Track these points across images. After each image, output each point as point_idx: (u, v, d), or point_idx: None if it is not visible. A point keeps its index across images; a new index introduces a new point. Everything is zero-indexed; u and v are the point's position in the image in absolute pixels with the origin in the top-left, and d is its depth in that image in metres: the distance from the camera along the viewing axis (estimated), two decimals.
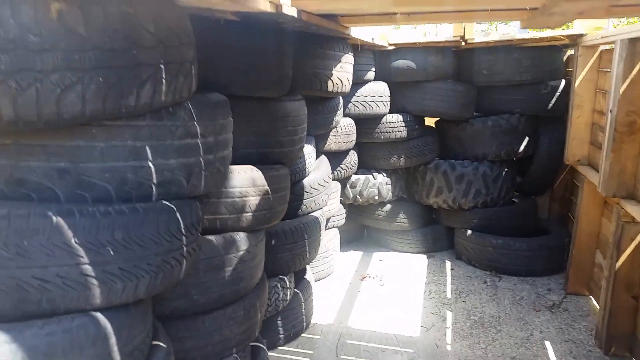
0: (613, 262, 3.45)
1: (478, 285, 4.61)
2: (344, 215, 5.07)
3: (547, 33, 4.47)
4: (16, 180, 1.48)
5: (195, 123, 1.75)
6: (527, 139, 5.01)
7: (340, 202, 4.92)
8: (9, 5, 1.18)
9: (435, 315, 4.03)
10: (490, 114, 5.00)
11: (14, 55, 1.21)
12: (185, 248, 1.73)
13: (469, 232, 5.03)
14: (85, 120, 1.40)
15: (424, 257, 5.28)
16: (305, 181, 3.62)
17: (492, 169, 4.97)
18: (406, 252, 5.36)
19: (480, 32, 11.57)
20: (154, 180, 1.66)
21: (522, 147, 5.01)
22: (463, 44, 4.59)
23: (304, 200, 3.63)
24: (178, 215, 1.69)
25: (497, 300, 4.30)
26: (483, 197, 5.00)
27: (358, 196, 5.07)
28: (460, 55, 4.96)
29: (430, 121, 5.45)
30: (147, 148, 1.61)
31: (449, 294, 4.42)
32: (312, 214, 3.71)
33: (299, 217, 3.59)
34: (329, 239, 4.68)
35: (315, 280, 4.47)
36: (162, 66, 1.51)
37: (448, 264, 5.12)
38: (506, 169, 5.05)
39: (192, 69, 1.72)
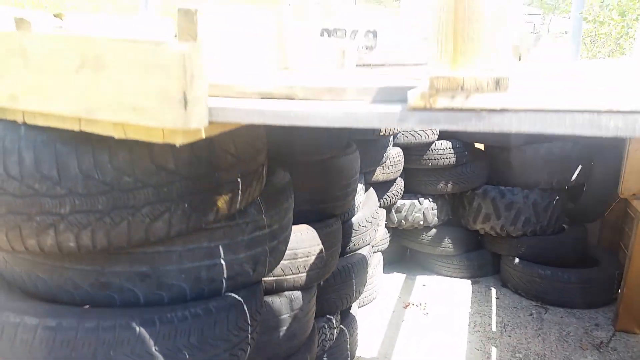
0: None
1: (524, 318, 4.57)
2: (388, 239, 5.09)
3: (610, 63, 4.32)
4: (101, 284, 1.58)
5: (264, 216, 1.82)
6: (580, 167, 4.89)
7: (385, 226, 4.94)
8: (107, 152, 1.26)
9: (480, 351, 4.03)
10: (542, 141, 4.88)
11: (110, 196, 1.29)
12: (250, 336, 1.82)
13: (517, 260, 4.98)
14: (168, 238, 1.49)
15: (468, 282, 5.26)
16: (354, 219, 3.66)
17: (543, 197, 4.89)
18: (450, 277, 5.35)
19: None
20: (225, 275, 1.74)
21: (574, 176, 4.89)
22: None
23: (352, 238, 3.67)
24: (245, 307, 1.77)
25: (542, 336, 4.26)
26: (532, 226, 4.93)
27: (403, 221, 5.08)
28: None
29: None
30: (220, 247, 1.69)
31: (494, 327, 4.40)
32: (360, 250, 3.75)
33: (346, 255, 3.64)
34: (374, 265, 4.72)
35: (359, 307, 4.53)
36: (239, 179, 1.57)
37: (493, 291, 5.09)
38: (557, 198, 4.95)
39: (264, 169, 1.79)
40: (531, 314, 4.65)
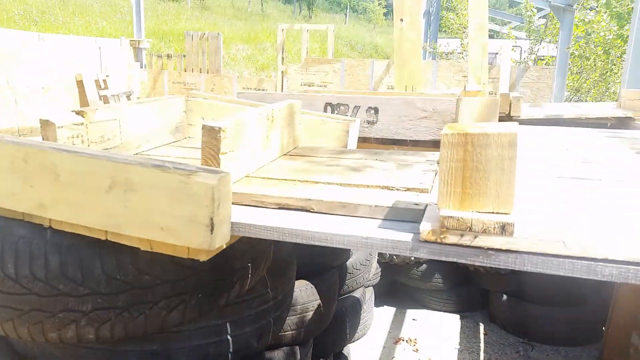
0: None
1: (511, 355, 4.66)
2: (379, 273, 5.16)
3: (600, 111, 4.48)
4: None
5: (269, 290, 1.89)
6: None
7: (377, 261, 5.01)
8: (129, 254, 1.32)
9: None
10: None
11: (130, 294, 1.36)
12: None
13: (505, 297, 5.08)
14: (182, 325, 1.55)
15: (457, 317, 5.34)
16: (349, 262, 3.74)
17: None
18: (439, 311, 5.43)
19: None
20: (231, 350, 1.80)
21: None
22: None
23: (346, 281, 3.74)
24: None
25: None
26: None
27: (394, 257, 5.16)
28: None
29: None
30: (228, 324, 1.75)
31: None
32: (354, 293, 3.82)
33: (341, 297, 3.70)
34: (365, 301, 4.78)
35: (350, 342, 4.58)
36: (249, 264, 1.64)
37: (481, 327, 5.17)
38: None
39: (272, 248, 1.86)
40: (518, 352, 4.73)
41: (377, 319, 5.16)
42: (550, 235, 1.03)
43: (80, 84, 11.20)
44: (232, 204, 1.30)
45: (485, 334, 5.01)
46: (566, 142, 2.20)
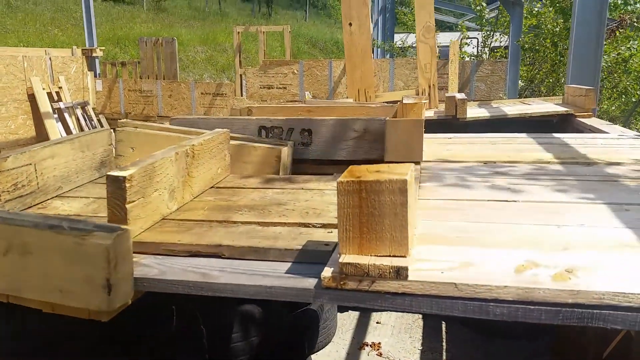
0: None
1: (471, 351, 4.76)
2: None
3: (543, 108, 4.60)
4: None
5: (202, 327, 1.87)
6: None
7: None
8: (38, 313, 1.29)
9: None
10: None
11: (46, 353, 1.32)
12: None
13: None
14: None
15: (419, 317, 5.41)
16: None
17: None
18: (402, 311, 5.49)
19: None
20: None
21: None
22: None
23: None
24: None
25: None
26: None
27: None
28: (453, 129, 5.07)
29: None
30: None
31: None
32: (310, 305, 3.82)
33: (299, 309, 3.70)
34: (328, 309, 4.79)
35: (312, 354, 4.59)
36: (173, 306, 1.62)
37: (443, 325, 5.26)
38: None
39: None
40: (478, 349, 4.84)
41: (341, 324, 5.18)
42: (442, 277, 1.05)
43: (32, 97, 10.86)
44: (142, 253, 1.28)
45: (446, 332, 5.10)
46: (488, 154, 2.25)
